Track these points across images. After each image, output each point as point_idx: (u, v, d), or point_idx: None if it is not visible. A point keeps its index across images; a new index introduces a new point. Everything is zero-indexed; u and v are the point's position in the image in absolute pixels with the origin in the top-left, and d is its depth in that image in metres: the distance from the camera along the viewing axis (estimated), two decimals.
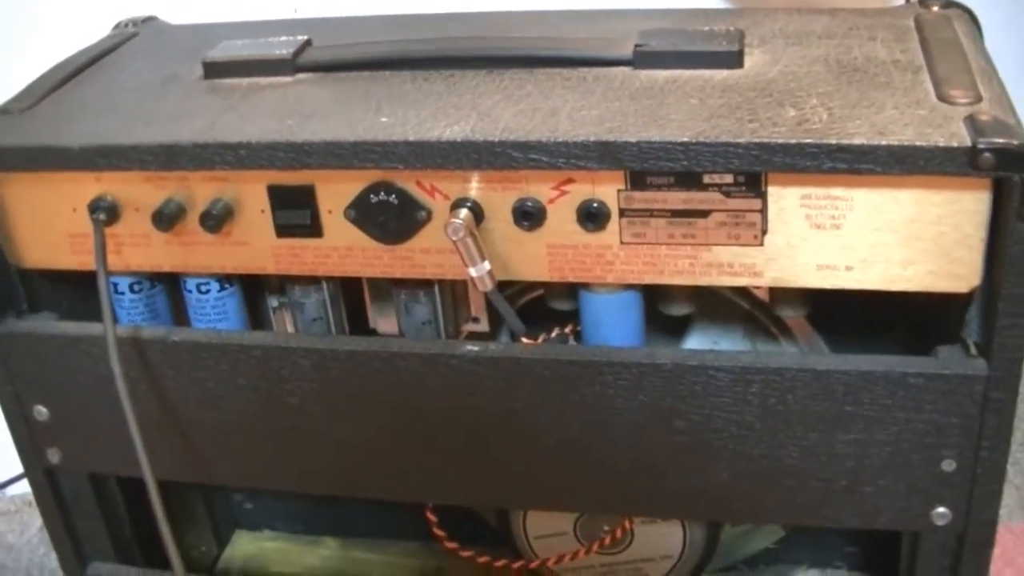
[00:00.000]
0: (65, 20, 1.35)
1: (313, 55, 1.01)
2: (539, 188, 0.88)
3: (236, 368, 0.98)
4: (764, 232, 0.86)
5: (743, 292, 1.05)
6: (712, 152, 0.81)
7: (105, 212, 0.95)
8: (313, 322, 1.05)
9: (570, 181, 0.87)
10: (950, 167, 0.78)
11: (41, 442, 1.07)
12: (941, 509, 0.90)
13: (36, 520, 1.58)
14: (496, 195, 0.89)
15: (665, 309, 1.02)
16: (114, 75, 1.07)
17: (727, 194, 0.85)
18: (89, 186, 0.96)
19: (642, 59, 0.94)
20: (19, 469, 1.11)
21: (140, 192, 0.95)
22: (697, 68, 0.93)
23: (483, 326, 1.08)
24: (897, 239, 0.84)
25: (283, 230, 0.94)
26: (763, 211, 0.85)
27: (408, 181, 0.90)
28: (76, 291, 1.06)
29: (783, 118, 0.83)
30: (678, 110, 0.86)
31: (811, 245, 0.85)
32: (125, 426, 0.92)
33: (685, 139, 0.82)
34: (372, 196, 0.91)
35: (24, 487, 1.51)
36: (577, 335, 1.03)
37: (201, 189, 0.94)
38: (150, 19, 1.23)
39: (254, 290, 1.09)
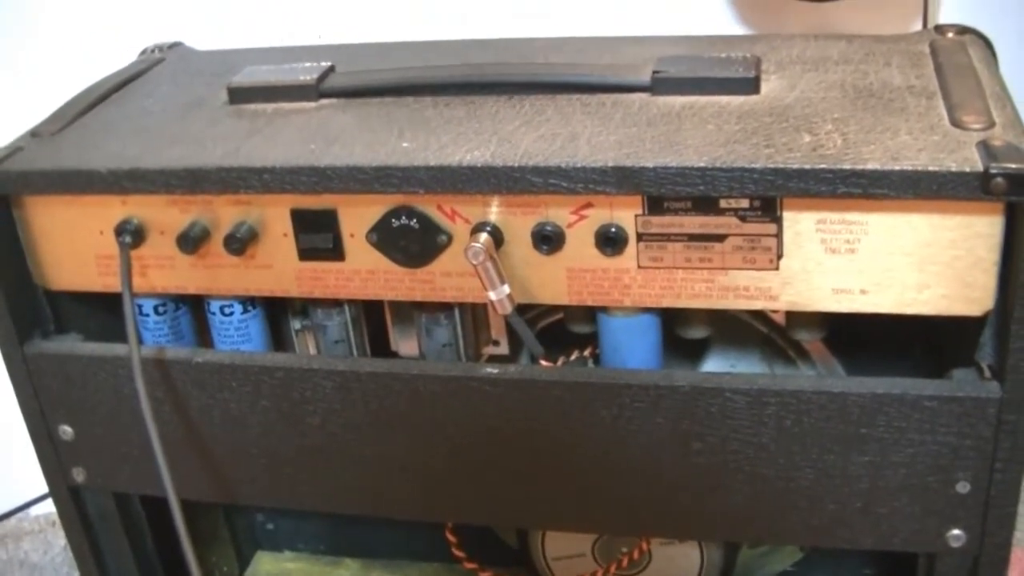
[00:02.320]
0: (93, 46, 1.37)
1: (336, 81, 1.03)
2: (558, 212, 0.89)
3: (259, 389, 0.99)
4: (780, 256, 0.87)
5: (760, 315, 1.06)
6: (728, 177, 0.82)
7: (131, 235, 0.96)
8: (335, 344, 1.06)
9: (589, 206, 0.88)
10: (963, 192, 0.79)
11: (66, 461, 1.08)
12: (956, 531, 0.91)
13: (60, 539, 1.59)
14: (516, 219, 0.90)
15: (682, 332, 1.03)
16: (141, 100, 1.08)
17: (743, 219, 0.86)
18: (115, 209, 0.97)
19: (660, 85, 0.95)
20: (43, 489, 1.12)
21: (165, 215, 0.97)
22: (714, 94, 0.94)
23: (503, 349, 1.08)
24: (911, 263, 0.84)
25: (306, 253, 0.95)
26: (779, 235, 0.86)
27: (429, 205, 0.91)
28: (102, 312, 1.07)
29: (798, 143, 0.84)
30: (695, 136, 0.87)
31: (826, 269, 0.86)
32: (149, 446, 0.93)
33: (702, 164, 0.83)
34: (394, 220, 0.92)
35: (48, 507, 1.53)
36: (596, 358, 1.03)
37: (225, 212, 0.95)
38: (176, 45, 1.24)
39: (277, 312, 1.10)
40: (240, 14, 1.37)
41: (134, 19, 1.37)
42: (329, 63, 1.05)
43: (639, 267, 0.90)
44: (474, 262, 0.89)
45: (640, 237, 0.89)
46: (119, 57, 1.21)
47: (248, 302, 1.05)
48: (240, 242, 0.94)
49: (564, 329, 1.05)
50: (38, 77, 1.39)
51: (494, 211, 0.90)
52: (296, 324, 1.11)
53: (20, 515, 1.62)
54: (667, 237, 0.88)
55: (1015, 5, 1.20)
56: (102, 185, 0.94)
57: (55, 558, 1.60)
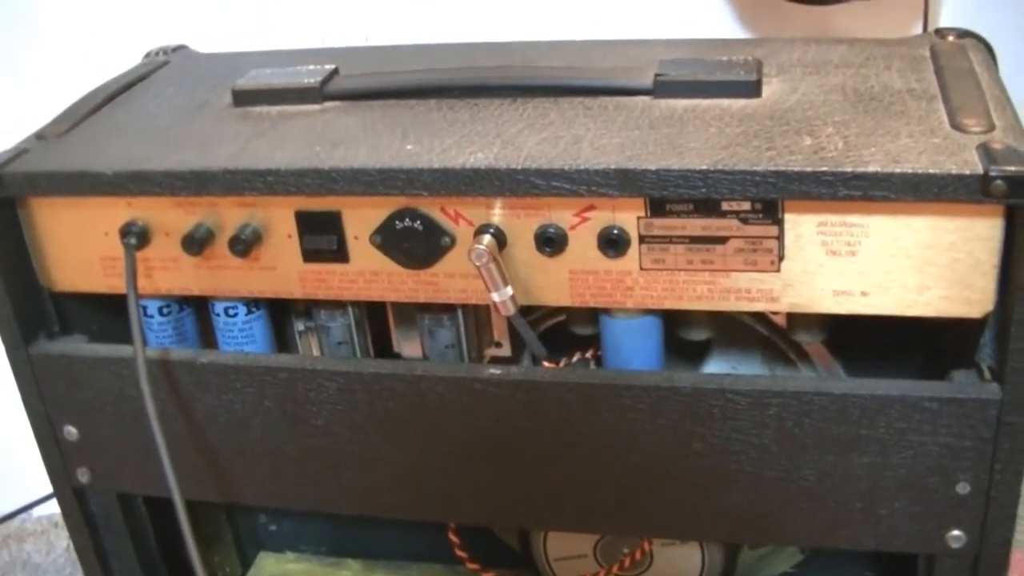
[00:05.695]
0: (94, 49, 1.37)
1: (340, 84, 1.03)
2: (561, 215, 0.90)
3: (263, 390, 1.00)
4: (781, 258, 0.87)
5: (761, 318, 1.06)
6: (730, 180, 0.83)
7: (136, 236, 0.97)
8: (339, 346, 1.06)
9: (591, 208, 0.89)
10: (963, 194, 0.79)
11: (71, 462, 1.09)
12: (956, 532, 0.91)
13: (62, 540, 1.60)
14: (519, 221, 0.91)
15: (684, 334, 1.03)
16: (145, 102, 1.09)
17: (745, 221, 0.87)
18: (121, 211, 0.98)
19: (662, 88, 0.96)
20: (45, 490, 1.12)
21: (170, 217, 0.97)
22: (716, 97, 0.94)
23: (506, 350, 1.08)
24: (912, 265, 0.85)
25: (310, 255, 0.96)
26: (780, 238, 0.86)
27: (433, 207, 0.92)
28: (107, 314, 1.08)
29: (800, 146, 0.84)
30: (697, 139, 0.87)
31: (827, 271, 0.87)
32: (153, 446, 0.94)
33: (704, 167, 0.83)
34: (397, 222, 0.93)
35: (50, 508, 1.53)
36: (598, 359, 1.04)
37: (230, 214, 0.96)
38: (180, 48, 1.25)
39: (281, 314, 1.10)
40: (243, 17, 1.37)
41: (137, 22, 1.38)
42: (333, 66, 1.05)
43: (641, 269, 0.90)
44: (477, 264, 0.89)
45: (642, 239, 0.89)
46: (121, 60, 1.21)
47: (252, 304, 1.05)
48: (244, 244, 0.95)
49: (566, 331, 1.05)
50: (39, 80, 1.40)
51: (497, 213, 0.91)
52: (300, 326, 1.11)
53: (23, 516, 1.62)
54: (669, 239, 0.89)
55: (1015, 9, 1.21)
56: (107, 187, 0.95)
57: (57, 559, 1.60)
